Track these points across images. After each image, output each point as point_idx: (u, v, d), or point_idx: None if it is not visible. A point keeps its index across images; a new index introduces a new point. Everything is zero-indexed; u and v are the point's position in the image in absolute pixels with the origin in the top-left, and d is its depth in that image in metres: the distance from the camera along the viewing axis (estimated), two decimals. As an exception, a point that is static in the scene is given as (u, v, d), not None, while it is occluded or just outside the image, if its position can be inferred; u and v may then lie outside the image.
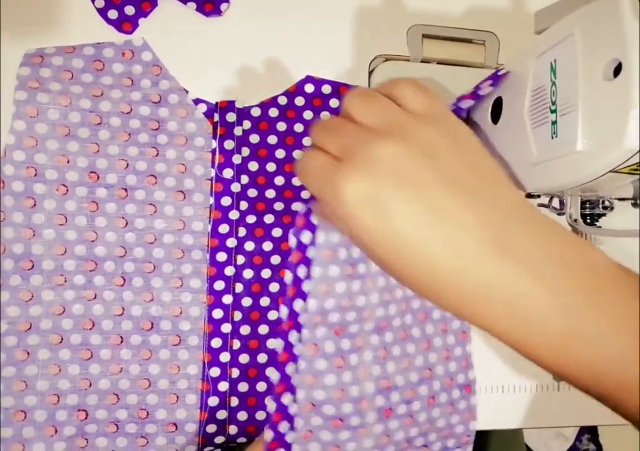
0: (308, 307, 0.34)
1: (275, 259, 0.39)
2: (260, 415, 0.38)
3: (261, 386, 0.38)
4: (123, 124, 0.37)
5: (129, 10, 0.38)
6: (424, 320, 0.39)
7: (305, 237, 0.31)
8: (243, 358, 0.38)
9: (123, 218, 0.37)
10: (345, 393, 0.35)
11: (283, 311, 0.33)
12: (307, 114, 0.40)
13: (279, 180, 0.40)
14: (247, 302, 0.39)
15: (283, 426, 0.34)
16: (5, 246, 0.35)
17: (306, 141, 0.40)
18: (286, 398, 0.34)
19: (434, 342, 0.39)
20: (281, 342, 0.34)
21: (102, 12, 0.38)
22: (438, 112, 0.25)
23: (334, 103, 0.41)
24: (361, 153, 0.23)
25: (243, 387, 0.38)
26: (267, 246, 0.39)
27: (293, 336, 0.33)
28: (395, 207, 0.22)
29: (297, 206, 0.39)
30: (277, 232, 0.39)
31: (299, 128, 0.40)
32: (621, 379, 0.23)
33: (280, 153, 0.40)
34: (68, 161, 0.36)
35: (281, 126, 0.40)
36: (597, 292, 0.23)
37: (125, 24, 0.38)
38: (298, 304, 0.33)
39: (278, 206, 0.39)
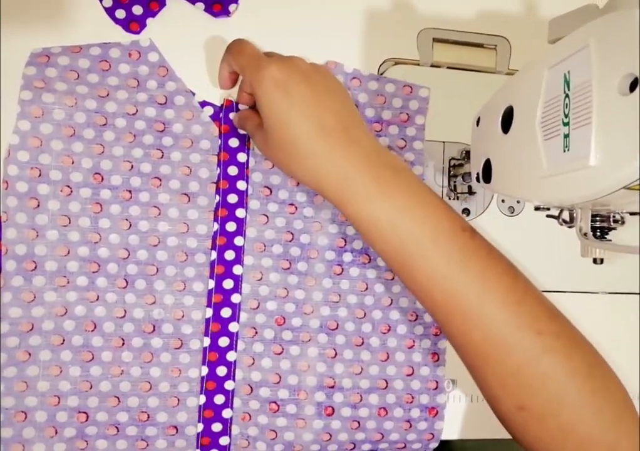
0: (242, 291, 0.38)
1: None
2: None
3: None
4: (128, 126, 0.37)
5: (137, 10, 0.38)
6: (387, 332, 0.39)
7: (230, 226, 0.38)
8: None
9: (127, 220, 0.37)
10: (282, 379, 0.38)
11: (210, 283, 0.37)
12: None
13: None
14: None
15: (218, 399, 0.37)
16: (8, 247, 0.35)
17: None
18: (219, 370, 0.37)
19: (395, 356, 0.39)
20: (211, 312, 0.37)
21: (110, 11, 0.38)
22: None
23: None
24: (284, 57, 0.33)
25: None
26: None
27: (225, 312, 0.38)
28: (296, 91, 0.31)
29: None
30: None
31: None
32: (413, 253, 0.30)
33: None
34: (73, 162, 0.36)
35: None
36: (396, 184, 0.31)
37: (133, 24, 0.38)
38: (227, 283, 0.37)
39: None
